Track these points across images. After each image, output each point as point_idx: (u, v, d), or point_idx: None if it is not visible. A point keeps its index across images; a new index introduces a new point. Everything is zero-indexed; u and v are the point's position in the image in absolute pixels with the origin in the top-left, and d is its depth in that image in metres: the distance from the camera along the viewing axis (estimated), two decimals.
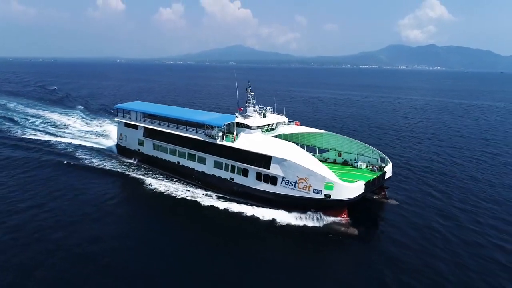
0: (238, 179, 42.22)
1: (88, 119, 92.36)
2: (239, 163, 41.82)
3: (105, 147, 64.75)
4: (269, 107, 48.11)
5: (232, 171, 42.93)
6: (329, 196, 35.77)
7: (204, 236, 34.09)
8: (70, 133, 75.37)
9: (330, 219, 36.48)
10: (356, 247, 32.91)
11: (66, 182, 46.68)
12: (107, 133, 75.88)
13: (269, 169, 39.01)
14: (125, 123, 58.37)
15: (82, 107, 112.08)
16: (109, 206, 39.88)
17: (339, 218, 36.64)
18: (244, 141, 42.17)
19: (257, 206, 39.48)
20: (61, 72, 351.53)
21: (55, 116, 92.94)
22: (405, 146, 71.78)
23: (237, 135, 43.64)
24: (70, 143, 66.60)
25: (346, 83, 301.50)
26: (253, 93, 47.10)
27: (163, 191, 44.81)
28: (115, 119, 61.37)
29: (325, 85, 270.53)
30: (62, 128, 79.94)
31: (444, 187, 47.69)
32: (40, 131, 76.45)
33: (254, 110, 46.70)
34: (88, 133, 76.69)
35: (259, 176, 40.17)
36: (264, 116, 46.76)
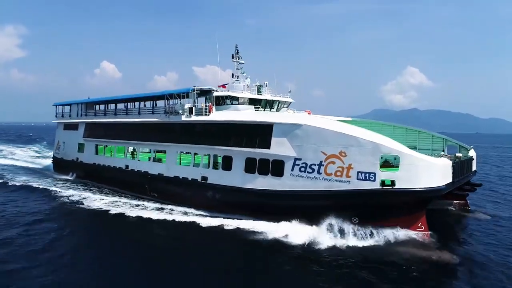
0: (215, 177, 24.94)
1: (43, 149, 75.51)
2: (217, 147, 24.94)
3: (41, 166, 47.93)
4: (266, 83, 32.34)
5: (206, 164, 25.77)
6: (392, 184, 18.43)
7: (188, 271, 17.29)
8: (10, 157, 58.42)
9: (396, 233, 18.75)
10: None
11: None
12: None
13: (268, 148, 22.13)
14: (64, 124, 42.46)
15: (46, 143, 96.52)
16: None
17: (413, 231, 18.91)
18: (227, 114, 25.86)
19: (252, 219, 21.93)
20: (46, 128, 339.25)
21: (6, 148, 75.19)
22: None
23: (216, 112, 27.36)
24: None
25: None
26: (243, 62, 31.85)
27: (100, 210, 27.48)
28: (53, 121, 45.13)
29: None
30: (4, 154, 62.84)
31: None
32: None
33: (245, 86, 30.96)
34: (33, 157, 59.86)
35: (250, 165, 23.12)
36: (260, 93, 30.87)
